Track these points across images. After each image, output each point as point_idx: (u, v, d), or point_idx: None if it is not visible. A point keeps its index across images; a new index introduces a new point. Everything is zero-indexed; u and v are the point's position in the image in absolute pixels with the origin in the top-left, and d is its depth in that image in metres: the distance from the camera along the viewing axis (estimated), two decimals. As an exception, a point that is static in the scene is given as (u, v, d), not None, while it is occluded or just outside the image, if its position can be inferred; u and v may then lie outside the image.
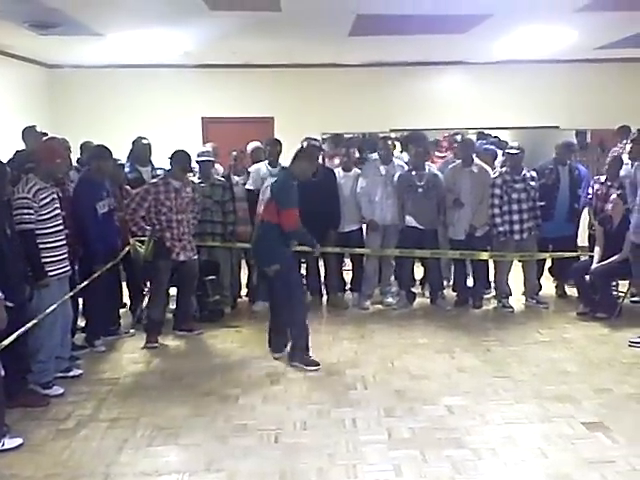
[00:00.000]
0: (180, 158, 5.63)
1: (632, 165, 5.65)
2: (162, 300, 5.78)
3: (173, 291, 6.12)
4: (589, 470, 3.33)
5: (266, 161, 6.60)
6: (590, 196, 6.58)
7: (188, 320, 5.95)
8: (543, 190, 6.52)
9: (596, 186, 6.55)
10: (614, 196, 6.02)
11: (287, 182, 4.88)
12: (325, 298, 6.90)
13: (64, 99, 9.36)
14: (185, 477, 3.35)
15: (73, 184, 5.37)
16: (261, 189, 6.22)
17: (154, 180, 5.73)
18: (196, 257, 5.82)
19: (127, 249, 5.97)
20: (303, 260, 6.84)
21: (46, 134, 6.10)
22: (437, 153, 8.40)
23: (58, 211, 4.46)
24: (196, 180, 6.38)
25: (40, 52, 8.46)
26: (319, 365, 4.91)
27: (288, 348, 5.11)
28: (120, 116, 9.20)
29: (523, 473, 3.34)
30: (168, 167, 5.76)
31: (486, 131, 9.17)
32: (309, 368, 4.89)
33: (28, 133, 6.30)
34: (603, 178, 6.54)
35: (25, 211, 4.22)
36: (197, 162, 6.44)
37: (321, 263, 6.88)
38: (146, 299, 6.37)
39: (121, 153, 6.55)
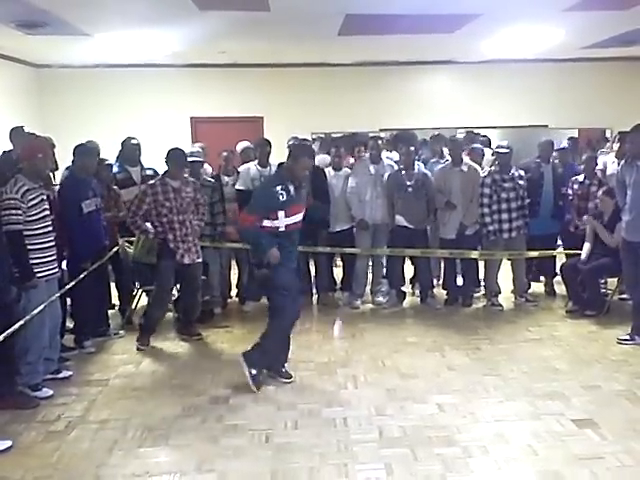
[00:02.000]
0: (176, 156, 5.47)
1: (619, 164, 5.70)
2: (166, 302, 5.65)
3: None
4: (579, 467, 3.35)
5: (256, 161, 6.58)
6: (571, 197, 6.62)
7: (191, 324, 5.82)
8: (529, 186, 6.55)
9: (575, 186, 6.60)
10: (600, 193, 6.07)
11: (266, 187, 4.63)
12: (316, 297, 6.90)
13: (52, 99, 9.33)
14: (176, 478, 3.35)
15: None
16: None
17: (152, 181, 5.55)
18: (200, 260, 5.65)
19: (116, 249, 5.95)
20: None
21: (34, 134, 6.06)
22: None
23: (47, 212, 4.42)
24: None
25: (28, 52, 8.41)
26: (256, 390, 4.45)
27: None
28: (109, 116, 9.18)
29: (513, 470, 3.36)
30: (163, 167, 5.58)
31: (475, 130, 9.18)
32: (251, 384, 4.44)
33: (16, 134, 6.25)
34: (581, 178, 6.59)
35: (13, 212, 4.18)
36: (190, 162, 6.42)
37: (311, 262, 6.89)
38: (136, 300, 6.37)
39: (110, 153, 6.54)
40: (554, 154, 6.89)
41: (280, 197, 4.39)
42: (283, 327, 4.60)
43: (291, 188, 4.45)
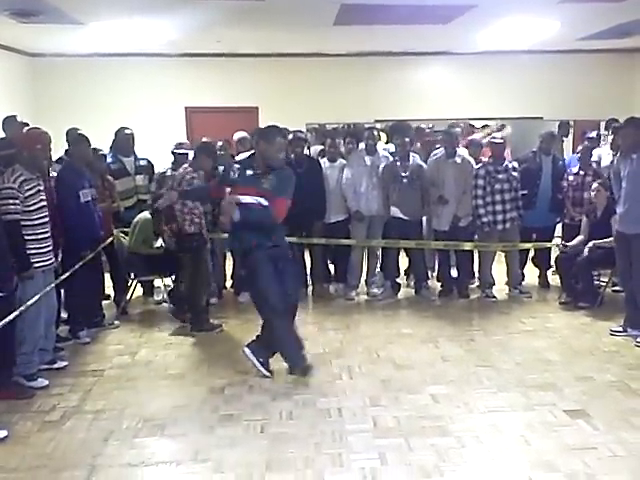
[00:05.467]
0: (209, 149, 5.70)
1: (614, 156, 5.73)
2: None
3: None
4: (571, 457, 3.38)
5: (252, 151, 6.54)
6: (565, 188, 6.63)
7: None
8: (525, 177, 6.56)
9: (570, 177, 6.62)
10: (595, 185, 6.09)
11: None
12: (310, 289, 6.91)
13: (46, 88, 9.26)
14: (172, 468, 3.36)
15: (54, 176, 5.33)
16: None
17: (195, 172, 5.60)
18: None
19: (110, 240, 5.94)
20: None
21: (27, 124, 6.04)
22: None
23: (44, 202, 4.42)
24: (169, 172, 6.29)
25: (22, 40, 8.35)
26: (269, 374, 4.54)
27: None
28: (103, 105, 9.12)
29: (507, 460, 3.39)
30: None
31: (470, 122, 9.17)
32: (262, 370, 4.55)
33: (8, 123, 6.24)
34: (576, 169, 6.62)
35: (11, 201, 4.17)
36: (173, 153, 6.37)
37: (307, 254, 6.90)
38: (131, 290, 6.36)
39: (104, 143, 6.51)
40: (585, 143, 6.89)
41: (231, 174, 4.49)
42: (274, 320, 4.50)
43: (249, 171, 4.45)
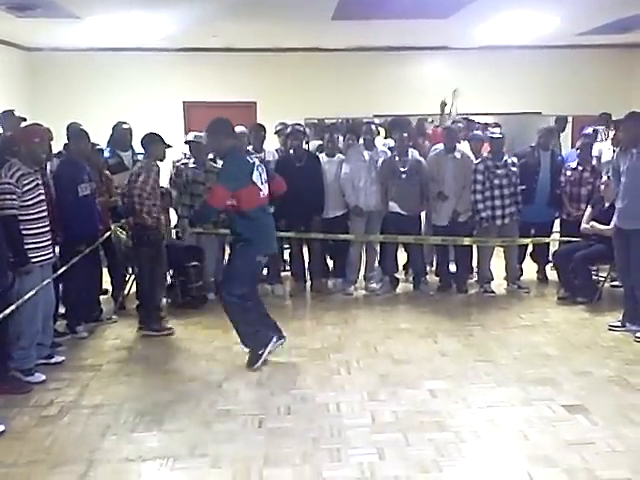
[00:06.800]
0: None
1: (614, 151, 5.71)
2: None
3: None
4: (569, 452, 3.37)
5: (250, 146, 6.54)
6: (563, 184, 6.61)
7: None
8: (524, 172, 6.54)
9: (568, 172, 6.60)
10: (605, 178, 6.06)
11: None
12: (309, 284, 6.90)
13: (43, 82, 9.23)
14: (169, 462, 3.35)
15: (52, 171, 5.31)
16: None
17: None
18: None
19: (108, 234, 5.92)
20: (287, 245, 6.85)
21: (25, 119, 6.02)
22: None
23: (42, 197, 4.39)
24: (191, 165, 6.26)
25: (19, 35, 8.32)
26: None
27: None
28: (100, 100, 9.09)
29: (505, 455, 3.38)
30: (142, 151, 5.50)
31: (469, 117, 9.15)
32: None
33: (5, 117, 6.21)
34: (574, 164, 6.60)
35: (8, 196, 4.15)
36: (188, 142, 6.29)
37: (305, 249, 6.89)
38: (129, 285, 6.35)
39: (101, 138, 6.48)
40: (582, 140, 6.87)
41: None
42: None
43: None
